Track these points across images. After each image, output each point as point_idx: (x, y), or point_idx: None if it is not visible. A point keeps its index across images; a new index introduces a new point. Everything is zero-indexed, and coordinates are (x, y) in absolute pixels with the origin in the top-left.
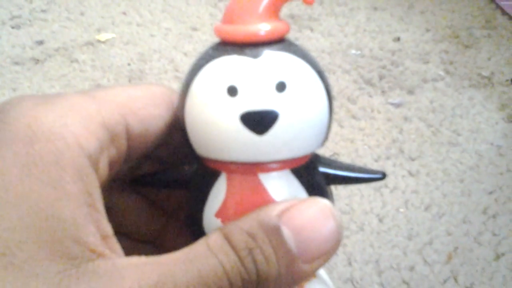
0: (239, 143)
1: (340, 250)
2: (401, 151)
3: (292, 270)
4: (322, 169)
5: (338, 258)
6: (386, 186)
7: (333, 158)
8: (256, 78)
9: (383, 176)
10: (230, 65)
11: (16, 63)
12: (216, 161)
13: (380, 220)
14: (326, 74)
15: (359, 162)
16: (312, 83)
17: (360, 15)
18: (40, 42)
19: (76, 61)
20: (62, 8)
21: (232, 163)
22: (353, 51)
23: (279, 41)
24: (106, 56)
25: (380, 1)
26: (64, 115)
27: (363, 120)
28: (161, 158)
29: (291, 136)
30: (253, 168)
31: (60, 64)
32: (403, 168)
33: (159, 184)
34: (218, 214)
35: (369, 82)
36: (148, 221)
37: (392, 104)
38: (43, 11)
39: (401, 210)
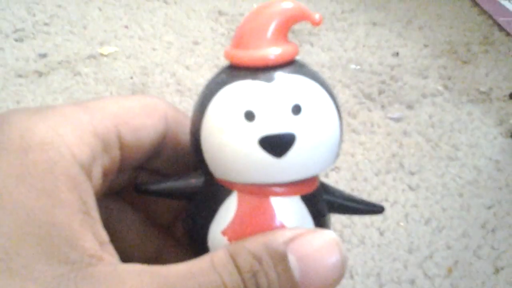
0: (257, 166)
1: None
2: (401, 165)
3: None
4: (326, 197)
5: None
6: (386, 200)
7: (336, 187)
8: (272, 102)
9: (382, 209)
10: (245, 90)
11: (20, 76)
12: (229, 181)
13: (381, 234)
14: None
15: (359, 176)
16: (325, 104)
17: (359, 30)
18: (43, 55)
19: (79, 74)
20: (65, 21)
21: (246, 184)
22: (353, 66)
23: (289, 63)
24: (108, 70)
25: (379, 16)
26: (56, 126)
27: (363, 135)
28: (157, 169)
29: (307, 157)
30: (266, 190)
31: (63, 77)
32: (403, 182)
33: (163, 193)
34: (225, 232)
35: (368, 97)
36: (145, 239)
37: (391, 118)
38: (46, 24)
39: (401, 224)
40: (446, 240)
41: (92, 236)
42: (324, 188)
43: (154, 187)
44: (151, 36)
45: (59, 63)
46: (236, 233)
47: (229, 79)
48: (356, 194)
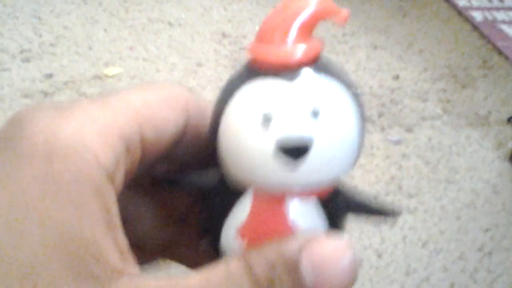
0: (273, 169)
1: None
2: (400, 187)
3: None
4: (343, 197)
5: None
6: (384, 222)
7: (353, 187)
8: (291, 104)
9: (398, 214)
10: (265, 90)
11: (26, 96)
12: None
13: (379, 256)
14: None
15: None
16: (346, 108)
17: (360, 53)
18: (49, 76)
19: (84, 94)
20: (71, 42)
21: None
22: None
23: (314, 61)
24: (113, 90)
25: (379, 40)
26: (81, 128)
27: (363, 157)
28: (175, 158)
29: (325, 161)
30: (281, 192)
31: (69, 97)
32: (401, 204)
33: (179, 185)
34: (239, 231)
35: (368, 119)
36: (160, 228)
37: (391, 141)
38: (52, 45)
39: (399, 246)
40: (443, 262)
41: (115, 247)
42: (341, 188)
43: (171, 179)
44: (155, 57)
45: (65, 83)
46: (250, 232)
47: (250, 76)
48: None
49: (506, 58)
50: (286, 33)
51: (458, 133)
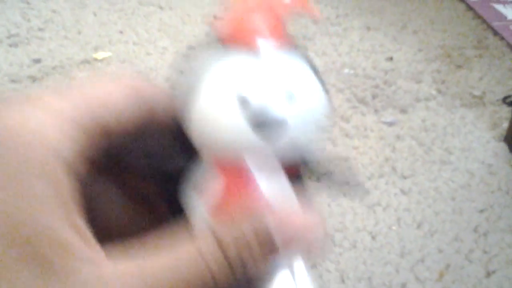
0: (248, 149)
1: (333, 267)
2: (394, 169)
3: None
4: (312, 170)
5: (331, 275)
6: (379, 204)
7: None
8: (266, 88)
9: (365, 191)
10: (238, 70)
11: (14, 81)
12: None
13: (373, 238)
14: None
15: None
16: (315, 90)
17: (354, 35)
18: (38, 60)
19: (74, 79)
20: (59, 26)
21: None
22: (347, 70)
23: (281, 40)
24: (102, 74)
25: (373, 21)
26: (37, 117)
27: (357, 139)
28: (140, 148)
29: (298, 141)
30: (254, 169)
31: (58, 82)
32: (395, 186)
33: (147, 171)
34: (210, 210)
35: (362, 101)
36: (126, 214)
37: (385, 122)
38: (41, 29)
39: (394, 228)
40: (437, 244)
41: (74, 233)
42: (309, 161)
43: (138, 165)
44: (145, 41)
45: (53, 68)
46: (222, 210)
47: (220, 54)
48: (347, 197)
49: (501, 38)
50: (256, 14)
51: (452, 114)
